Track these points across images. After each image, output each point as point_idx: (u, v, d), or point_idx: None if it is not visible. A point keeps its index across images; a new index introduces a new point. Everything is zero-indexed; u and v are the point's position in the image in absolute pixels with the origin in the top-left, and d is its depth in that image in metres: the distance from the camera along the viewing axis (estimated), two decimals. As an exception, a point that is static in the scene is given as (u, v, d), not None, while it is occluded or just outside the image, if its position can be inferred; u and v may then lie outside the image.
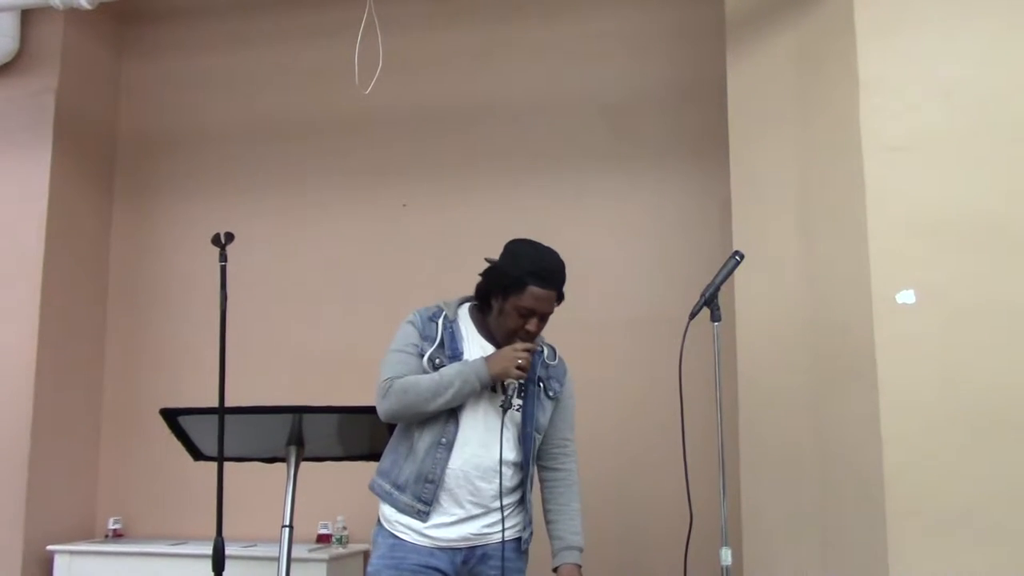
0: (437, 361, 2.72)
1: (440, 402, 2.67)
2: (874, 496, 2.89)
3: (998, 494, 2.81)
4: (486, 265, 2.81)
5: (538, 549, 2.89)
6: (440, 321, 2.78)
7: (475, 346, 2.79)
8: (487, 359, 2.70)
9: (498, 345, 2.78)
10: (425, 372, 2.71)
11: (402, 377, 2.69)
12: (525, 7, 4.79)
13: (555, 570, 2.81)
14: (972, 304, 2.91)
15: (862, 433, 2.97)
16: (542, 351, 2.85)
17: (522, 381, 2.75)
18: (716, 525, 2.70)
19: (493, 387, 2.74)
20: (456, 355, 2.75)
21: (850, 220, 3.09)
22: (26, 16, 4.81)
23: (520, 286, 2.68)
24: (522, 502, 2.81)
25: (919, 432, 2.88)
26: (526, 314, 2.71)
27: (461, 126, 4.78)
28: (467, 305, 2.89)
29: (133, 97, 5.26)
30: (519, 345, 2.70)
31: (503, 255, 2.78)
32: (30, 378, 4.57)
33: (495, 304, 2.75)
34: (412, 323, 2.79)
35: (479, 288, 2.81)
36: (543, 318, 2.75)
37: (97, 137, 5.12)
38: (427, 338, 2.75)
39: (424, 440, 2.72)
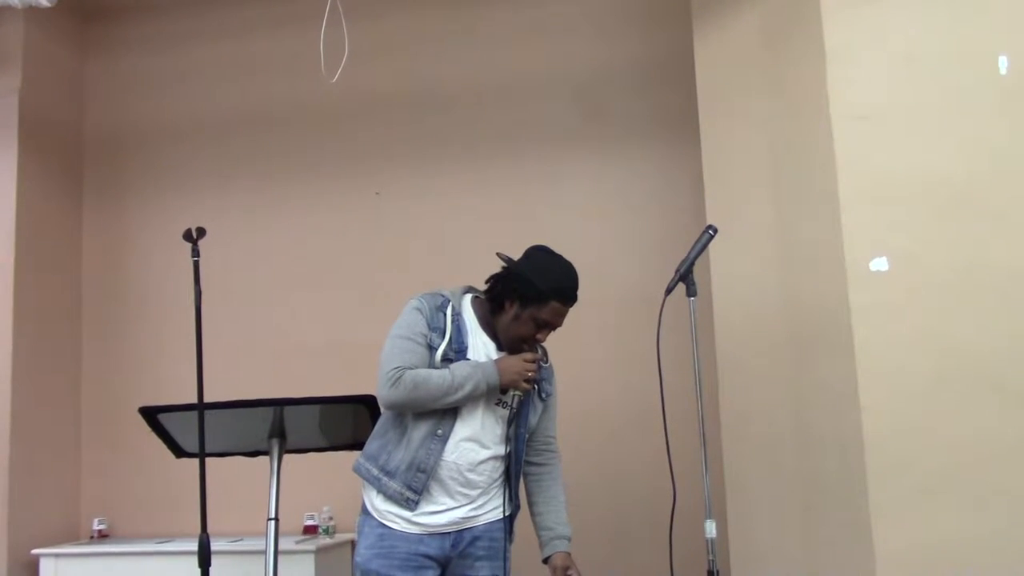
0: (448, 357, 2.72)
1: (448, 401, 2.67)
2: (854, 463, 2.92)
3: (977, 457, 2.84)
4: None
5: (524, 542, 2.90)
6: (448, 312, 2.76)
7: (478, 341, 2.78)
8: (498, 366, 2.69)
9: (499, 342, 2.78)
10: (433, 366, 2.69)
11: (413, 368, 2.66)
12: (490, -10, 4.78)
13: (546, 560, 2.81)
14: (944, 269, 2.93)
15: (840, 401, 3.00)
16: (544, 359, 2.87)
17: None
18: (699, 499, 2.72)
19: None
20: (462, 349, 2.74)
21: (821, 190, 3.10)
22: (-16, 17, 4.74)
23: (544, 300, 2.69)
24: (508, 481, 2.82)
25: (896, 398, 2.90)
26: (542, 325, 2.73)
27: (430, 112, 4.76)
28: (469, 296, 2.87)
29: (98, 95, 5.21)
30: (528, 356, 2.72)
31: (526, 263, 2.75)
32: (6, 381, 4.54)
33: (510, 309, 2.73)
34: (419, 310, 2.75)
35: (493, 288, 2.78)
36: (554, 329, 2.77)
37: (63, 137, 5.07)
38: (435, 329, 2.73)
39: (420, 430, 2.71)
